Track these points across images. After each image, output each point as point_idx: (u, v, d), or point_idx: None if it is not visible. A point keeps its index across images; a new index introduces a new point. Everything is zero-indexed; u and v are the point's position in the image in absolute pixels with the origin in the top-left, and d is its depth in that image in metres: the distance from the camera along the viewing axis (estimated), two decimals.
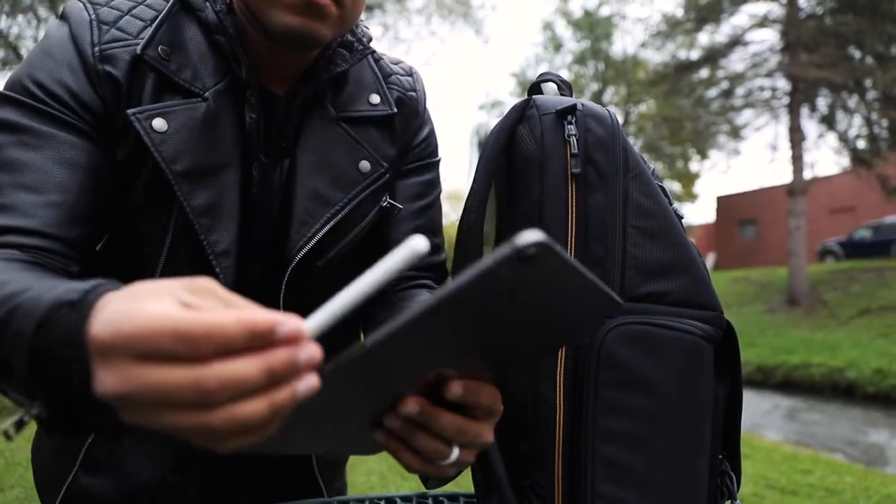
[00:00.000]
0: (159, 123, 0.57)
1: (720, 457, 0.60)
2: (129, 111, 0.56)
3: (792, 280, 11.56)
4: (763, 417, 6.33)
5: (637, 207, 0.56)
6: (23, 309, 0.37)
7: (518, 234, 0.30)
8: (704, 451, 0.56)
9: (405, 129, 0.72)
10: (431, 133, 0.76)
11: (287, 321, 0.29)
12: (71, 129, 0.56)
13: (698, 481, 0.56)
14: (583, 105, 0.57)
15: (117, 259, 0.62)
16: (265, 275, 0.64)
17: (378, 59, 0.73)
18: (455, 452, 0.43)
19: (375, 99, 0.70)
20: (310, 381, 0.30)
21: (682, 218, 0.60)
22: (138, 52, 0.58)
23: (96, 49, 0.57)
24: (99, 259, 0.61)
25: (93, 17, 0.59)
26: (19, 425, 0.36)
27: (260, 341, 0.29)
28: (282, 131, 0.65)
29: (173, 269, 0.60)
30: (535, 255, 0.30)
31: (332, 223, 0.64)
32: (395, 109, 0.70)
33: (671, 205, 0.59)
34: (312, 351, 0.30)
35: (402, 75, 0.74)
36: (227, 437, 0.30)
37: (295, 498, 0.75)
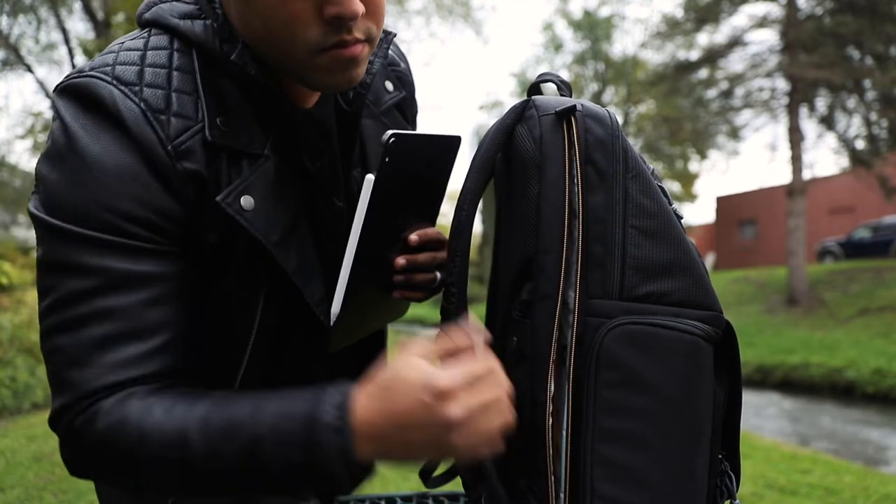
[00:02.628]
0: (247, 202, 0.55)
1: (720, 457, 0.60)
2: (219, 199, 0.53)
3: (791, 280, 11.57)
4: (762, 417, 6.34)
5: (637, 207, 0.56)
6: (272, 440, 0.47)
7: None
8: (704, 450, 0.56)
9: (411, 103, 0.79)
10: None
11: (479, 337, 0.51)
12: (158, 257, 0.52)
13: (698, 481, 0.56)
14: (582, 105, 0.57)
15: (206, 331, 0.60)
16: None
17: None
18: (438, 275, 0.67)
19: (390, 86, 0.74)
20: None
21: (682, 218, 0.60)
22: (209, 138, 0.53)
23: (169, 148, 0.52)
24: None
25: (142, 106, 0.52)
26: None
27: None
28: (346, 144, 0.67)
29: (266, 323, 0.61)
30: (393, 141, 0.55)
31: None
32: (404, 91, 0.75)
33: (671, 205, 0.59)
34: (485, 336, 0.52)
35: (393, 51, 0.78)
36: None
37: None
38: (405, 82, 0.78)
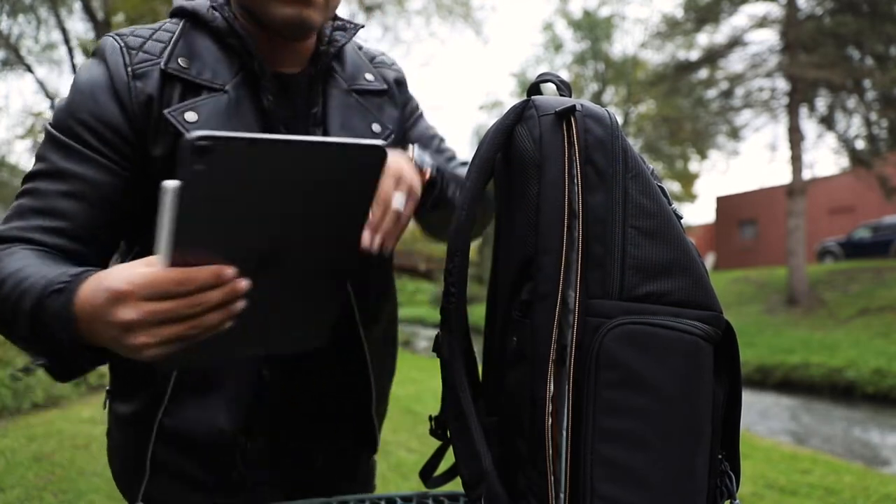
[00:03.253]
0: (191, 115, 0.68)
1: (720, 457, 0.60)
2: (165, 111, 0.68)
3: (791, 280, 11.57)
4: (762, 417, 6.34)
5: (637, 207, 0.55)
6: (26, 292, 0.57)
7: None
8: (704, 450, 0.56)
9: (402, 93, 0.90)
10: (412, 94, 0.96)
11: (226, 273, 0.48)
12: (92, 164, 0.67)
13: (698, 481, 0.56)
14: (582, 105, 0.57)
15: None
16: None
17: (360, 48, 0.89)
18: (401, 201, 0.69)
19: (370, 76, 0.85)
20: (237, 297, 0.49)
21: (682, 218, 0.60)
22: (162, 66, 0.69)
23: (129, 70, 0.69)
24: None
25: (122, 44, 0.70)
26: (26, 371, 0.62)
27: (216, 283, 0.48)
28: (308, 103, 0.77)
29: None
30: (201, 145, 0.44)
31: None
32: (386, 85, 0.86)
33: (670, 205, 0.58)
34: (239, 286, 0.49)
35: (383, 56, 0.92)
36: (196, 338, 0.49)
37: (355, 448, 0.87)
38: (398, 77, 0.89)
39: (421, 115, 0.95)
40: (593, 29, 20.53)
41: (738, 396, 0.60)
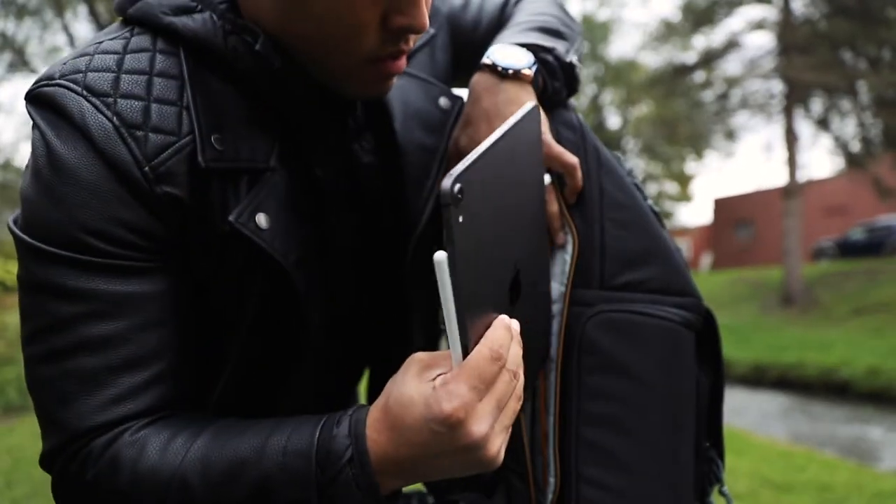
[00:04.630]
0: (262, 219, 0.47)
1: (707, 444, 0.62)
2: (232, 218, 0.46)
3: (787, 280, 11.62)
4: (758, 415, 6.39)
5: (612, 200, 0.57)
6: (281, 481, 0.41)
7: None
8: (688, 437, 0.57)
9: (440, 31, 0.65)
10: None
11: (508, 321, 0.42)
12: (144, 274, 0.46)
13: (683, 466, 0.57)
14: (552, 114, 0.59)
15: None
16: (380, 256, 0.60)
17: None
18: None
19: None
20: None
21: (658, 213, 0.62)
22: (202, 164, 0.46)
23: (146, 169, 0.44)
24: None
25: (115, 121, 0.44)
26: None
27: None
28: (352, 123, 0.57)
29: (247, 354, 0.53)
30: (459, 189, 0.36)
31: (440, 174, 0.58)
32: (432, 29, 0.63)
33: (646, 200, 0.60)
34: (515, 328, 0.43)
35: None
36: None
37: None
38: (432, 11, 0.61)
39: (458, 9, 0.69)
40: (591, 32, 20.56)
41: (720, 383, 0.62)
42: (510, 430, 0.43)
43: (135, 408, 0.45)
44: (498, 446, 0.41)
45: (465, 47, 0.67)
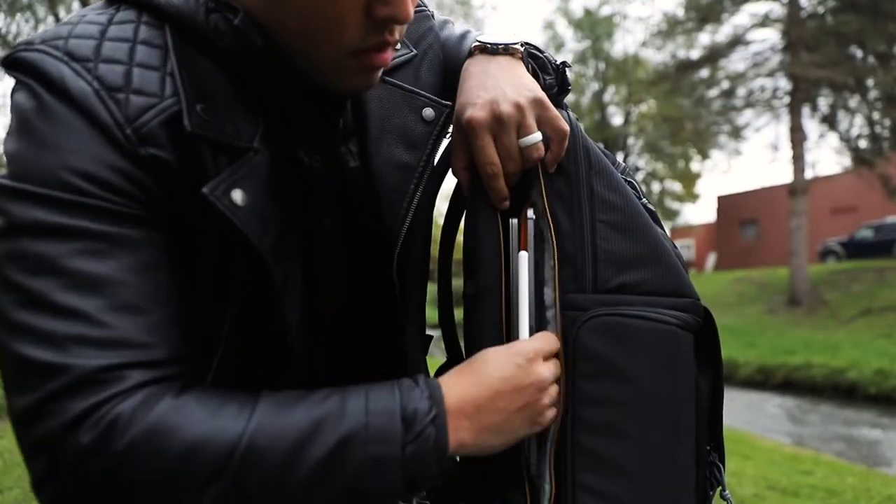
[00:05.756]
0: (237, 195, 0.45)
1: (707, 448, 0.61)
2: (206, 189, 0.44)
3: (793, 280, 11.55)
4: (764, 418, 6.33)
5: (603, 202, 0.57)
6: (363, 439, 0.43)
7: None
8: (688, 440, 0.57)
9: (429, 51, 0.64)
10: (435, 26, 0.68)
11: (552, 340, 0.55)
12: (138, 223, 0.44)
13: (683, 471, 0.56)
14: None
15: None
16: (366, 259, 0.59)
17: None
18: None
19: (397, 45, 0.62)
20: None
21: (654, 212, 0.62)
22: (188, 127, 0.44)
23: (128, 131, 0.43)
24: None
25: (95, 85, 0.43)
26: None
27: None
28: (340, 122, 0.57)
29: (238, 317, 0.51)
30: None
31: (419, 190, 0.57)
32: (415, 50, 0.62)
33: (640, 199, 0.61)
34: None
35: None
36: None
37: None
38: (417, 36, 0.63)
39: (441, 28, 0.69)
40: (594, 28, 20.53)
41: (719, 384, 0.61)
42: (555, 409, 0.53)
43: (147, 355, 0.41)
44: (547, 404, 0.52)
45: (454, 74, 0.65)
